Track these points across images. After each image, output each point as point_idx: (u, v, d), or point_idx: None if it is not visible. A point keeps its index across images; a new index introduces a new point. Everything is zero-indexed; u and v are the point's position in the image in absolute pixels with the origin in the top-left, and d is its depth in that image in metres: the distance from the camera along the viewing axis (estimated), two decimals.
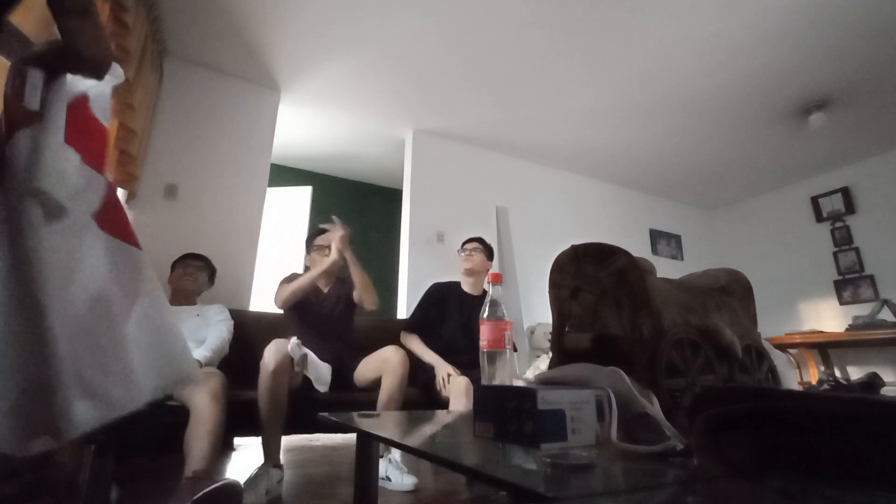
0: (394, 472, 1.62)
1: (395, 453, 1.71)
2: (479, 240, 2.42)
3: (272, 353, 1.56)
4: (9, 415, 0.72)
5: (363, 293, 2.01)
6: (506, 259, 3.67)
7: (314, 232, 2.22)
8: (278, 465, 1.57)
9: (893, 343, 3.38)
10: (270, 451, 1.56)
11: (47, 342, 0.74)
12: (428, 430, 0.88)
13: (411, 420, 0.99)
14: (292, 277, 2.05)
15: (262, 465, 1.53)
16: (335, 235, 1.98)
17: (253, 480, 1.45)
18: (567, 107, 3.38)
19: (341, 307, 2.08)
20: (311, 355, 1.75)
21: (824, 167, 4.24)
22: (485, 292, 2.35)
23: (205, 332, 1.85)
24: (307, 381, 1.71)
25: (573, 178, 4.43)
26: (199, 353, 1.70)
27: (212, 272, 2.18)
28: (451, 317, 2.20)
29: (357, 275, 2.02)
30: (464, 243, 2.45)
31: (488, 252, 2.40)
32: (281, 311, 2.05)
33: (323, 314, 2.04)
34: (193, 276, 2.06)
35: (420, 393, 2.00)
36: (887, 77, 2.99)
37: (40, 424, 0.74)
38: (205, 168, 2.82)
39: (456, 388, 1.81)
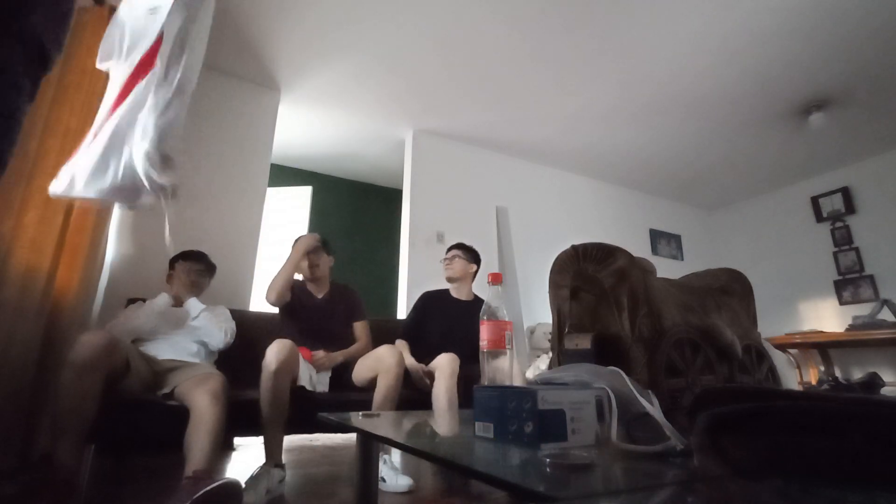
0: (389, 472, 1.62)
1: (394, 455, 1.71)
2: (459, 245, 2.39)
3: (274, 353, 1.56)
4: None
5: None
6: (506, 259, 3.66)
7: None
8: (280, 465, 1.57)
9: (893, 343, 3.38)
10: (272, 450, 1.56)
11: None
12: (428, 430, 0.88)
13: (411, 420, 0.99)
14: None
15: (264, 464, 1.53)
16: (305, 242, 2.07)
17: (254, 480, 1.45)
18: (567, 107, 3.38)
19: (339, 317, 2.08)
20: (310, 367, 1.78)
21: (824, 167, 4.24)
22: (475, 296, 2.37)
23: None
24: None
25: (573, 178, 4.43)
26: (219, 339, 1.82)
27: (211, 273, 2.17)
28: (435, 323, 2.22)
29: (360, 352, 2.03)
30: (447, 251, 2.42)
31: (470, 255, 2.37)
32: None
33: (319, 319, 2.04)
34: (197, 283, 2.04)
35: (415, 394, 2.00)
36: (887, 77, 2.99)
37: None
38: (205, 168, 2.82)
39: (440, 368, 1.82)
